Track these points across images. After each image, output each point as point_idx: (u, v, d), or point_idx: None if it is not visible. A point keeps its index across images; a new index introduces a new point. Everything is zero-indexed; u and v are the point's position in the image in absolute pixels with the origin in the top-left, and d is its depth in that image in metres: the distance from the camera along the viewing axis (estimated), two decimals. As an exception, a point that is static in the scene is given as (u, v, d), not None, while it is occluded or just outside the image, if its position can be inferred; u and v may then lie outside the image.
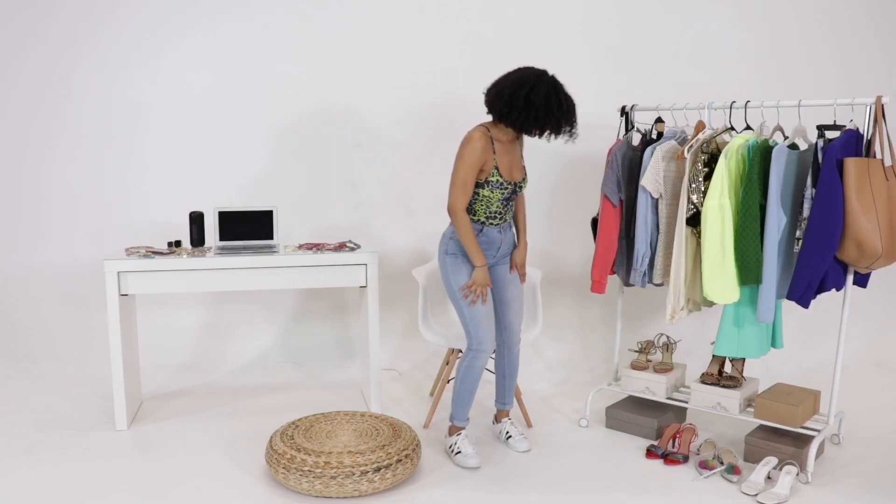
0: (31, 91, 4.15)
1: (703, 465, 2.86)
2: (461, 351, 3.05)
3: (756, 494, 2.65)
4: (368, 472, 2.59)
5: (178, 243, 3.43)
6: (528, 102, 2.62)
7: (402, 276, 4.30)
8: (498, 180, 2.76)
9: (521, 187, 2.88)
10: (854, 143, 2.69)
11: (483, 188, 2.76)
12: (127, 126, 4.20)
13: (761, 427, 3.06)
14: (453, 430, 3.02)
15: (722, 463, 2.87)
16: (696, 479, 2.80)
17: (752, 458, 2.96)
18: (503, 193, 2.79)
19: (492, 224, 2.84)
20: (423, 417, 3.44)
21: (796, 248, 2.81)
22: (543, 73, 2.68)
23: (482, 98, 4.21)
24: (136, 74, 4.16)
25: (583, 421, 3.36)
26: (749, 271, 2.76)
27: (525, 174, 2.91)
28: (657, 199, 3.04)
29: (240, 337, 4.33)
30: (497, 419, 3.20)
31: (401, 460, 2.68)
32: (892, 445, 3.13)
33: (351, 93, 4.22)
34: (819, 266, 2.67)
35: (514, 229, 3.02)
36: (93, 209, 4.24)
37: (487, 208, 2.81)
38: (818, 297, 2.83)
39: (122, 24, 4.12)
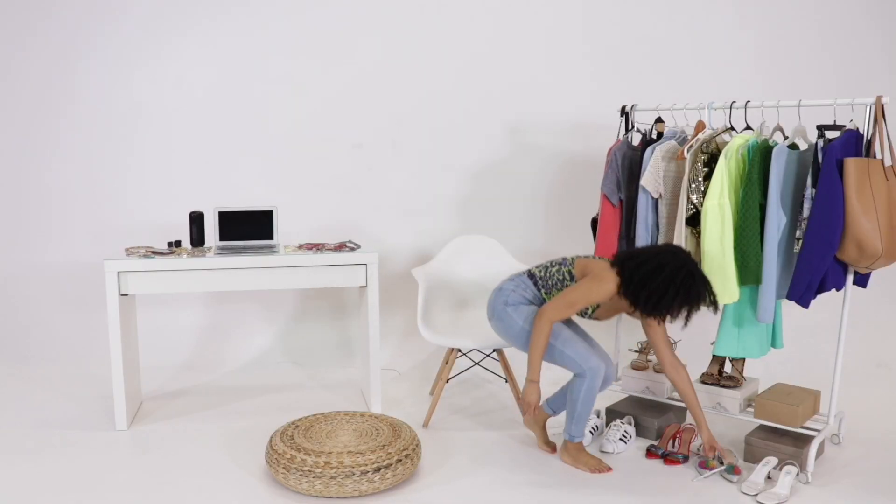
0: (31, 91, 4.15)
1: (703, 465, 2.85)
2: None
3: (756, 494, 2.65)
4: (368, 472, 2.59)
5: (178, 243, 3.43)
6: (669, 302, 2.58)
7: (402, 276, 4.30)
8: (585, 309, 2.87)
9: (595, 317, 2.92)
10: (854, 143, 2.69)
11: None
12: (127, 126, 4.20)
13: (761, 427, 3.05)
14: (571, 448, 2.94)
15: (722, 463, 2.87)
16: (696, 479, 2.80)
17: (752, 458, 2.96)
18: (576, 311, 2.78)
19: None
20: (422, 417, 3.44)
21: (796, 248, 2.81)
22: (686, 267, 2.58)
23: (481, 99, 4.22)
24: (136, 74, 4.17)
25: (583, 421, 3.35)
26: (749, 271, 2.76)
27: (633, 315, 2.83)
28: (657, 199, 3.04)
29: (240, 337, 4.33)
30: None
31: (401, 460, 2.67)
32: (892, 445, 3.13)
33: (351, 92, 4.22)
34: (819, 266, 2.67)
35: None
36: (93, 209, 4.24)
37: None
38: (818, 297, 2.83)
39: (122, 24, 4.12)
